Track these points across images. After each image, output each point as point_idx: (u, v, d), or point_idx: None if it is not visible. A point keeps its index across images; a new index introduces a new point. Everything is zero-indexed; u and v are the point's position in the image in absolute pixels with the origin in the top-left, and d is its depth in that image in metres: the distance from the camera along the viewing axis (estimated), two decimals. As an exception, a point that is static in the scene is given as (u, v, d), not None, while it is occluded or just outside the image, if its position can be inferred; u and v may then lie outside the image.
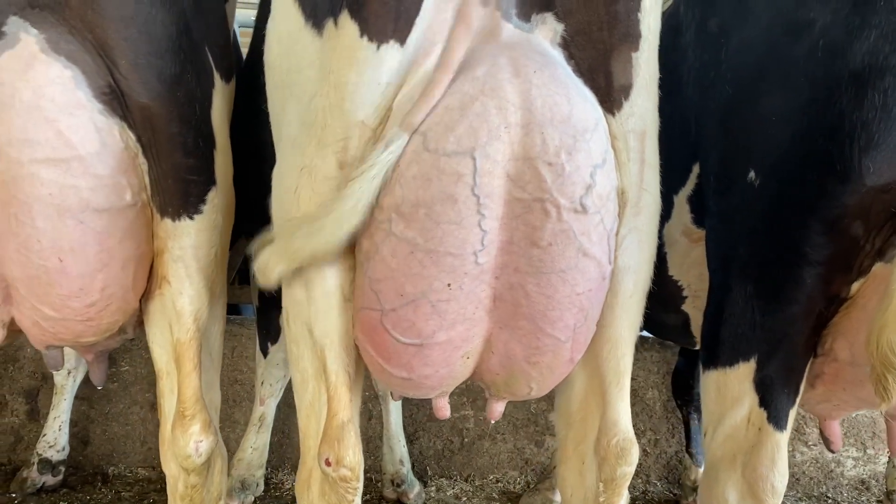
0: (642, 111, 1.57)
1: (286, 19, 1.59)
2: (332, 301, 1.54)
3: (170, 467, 1.72)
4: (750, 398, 1.70)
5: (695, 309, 2.31)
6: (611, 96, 1.53)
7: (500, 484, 3.39)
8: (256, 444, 2.99)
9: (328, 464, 1.54)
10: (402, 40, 1.43)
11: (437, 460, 3.43)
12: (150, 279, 1.69)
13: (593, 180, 1.42)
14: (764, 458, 1.67)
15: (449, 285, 1.43)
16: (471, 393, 3.43)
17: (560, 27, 1.50)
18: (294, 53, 1.57)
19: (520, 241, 1.43)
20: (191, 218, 1.61)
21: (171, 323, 1.66)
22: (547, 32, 1.52)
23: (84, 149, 1.42)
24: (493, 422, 1.75)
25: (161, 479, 3.38)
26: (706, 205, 1.91)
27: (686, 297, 2.30)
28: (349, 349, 1.58)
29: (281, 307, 2.83)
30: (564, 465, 1.73)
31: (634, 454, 1.62)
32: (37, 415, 3.34)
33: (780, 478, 1.69)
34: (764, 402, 1.69)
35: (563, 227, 1.41)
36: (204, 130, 1.63)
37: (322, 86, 1.48)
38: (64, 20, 1.44)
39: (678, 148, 1.87)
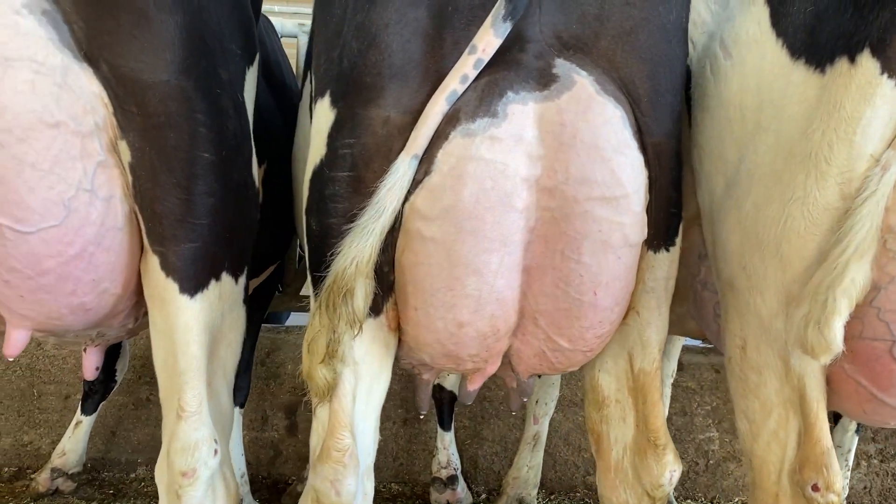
0: None
1: (759, 57, 1.66)
2: None
3: (619, 494, 1.73)
4: None
5: None
6: None
7: (746, 506, 3.39)
8: (532, 462, 3.04)
9: (816, 489, 1.58)
10: (916, 78, 1.49)
11: (682, 482, 3.43)
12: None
13: None
14: None
15: (971, 315, 1.47)
16: (716, 414, 3.43)
17: None
18: (773, 90, 1.63)
19: None
20: (667, 250, 1.65)
21: (633, 352, 1.69)
22: None
23: (630, 187, 1.46)
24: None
25: (415, 495, 3.45)
26: None
27: None
28: (823, 377, 1.62)
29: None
30: None
31: None
32: (296, 430, 3.43)
33: None
34: None
35: None
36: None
37: (826, 121, 1.53)
38: (593, 61, 1.47)
39: None
